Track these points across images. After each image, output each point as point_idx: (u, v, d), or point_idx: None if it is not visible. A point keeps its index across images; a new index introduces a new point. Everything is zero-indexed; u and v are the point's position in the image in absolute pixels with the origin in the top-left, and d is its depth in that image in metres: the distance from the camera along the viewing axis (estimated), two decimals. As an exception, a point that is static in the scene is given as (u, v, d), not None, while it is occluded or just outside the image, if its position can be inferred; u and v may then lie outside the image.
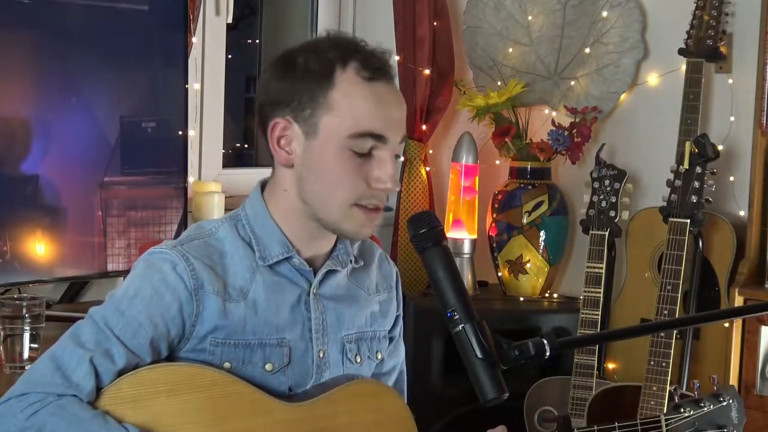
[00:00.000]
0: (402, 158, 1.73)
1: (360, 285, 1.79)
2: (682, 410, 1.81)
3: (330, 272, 1.73)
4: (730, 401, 1.83)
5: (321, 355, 1.71)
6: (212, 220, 1.72)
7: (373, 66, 1.62)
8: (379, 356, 1.82)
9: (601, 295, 3.08)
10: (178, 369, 1.59)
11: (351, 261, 1.76)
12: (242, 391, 1.61)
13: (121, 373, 1.56)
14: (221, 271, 1.64)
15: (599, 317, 3.06)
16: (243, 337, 1.64)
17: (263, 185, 1.73)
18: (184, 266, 1.60)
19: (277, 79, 1.65)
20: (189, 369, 1.59)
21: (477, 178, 3.62)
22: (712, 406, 1.82)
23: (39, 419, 1.51)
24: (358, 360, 1.77)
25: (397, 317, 1.87)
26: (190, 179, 3.14)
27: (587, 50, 3.55)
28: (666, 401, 2.83)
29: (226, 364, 1.62)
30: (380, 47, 1.68)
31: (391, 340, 1.86)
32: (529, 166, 3.52)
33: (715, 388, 1.86)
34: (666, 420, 1.80)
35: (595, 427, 1.92)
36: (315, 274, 1.71)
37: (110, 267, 2.88)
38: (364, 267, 1.80)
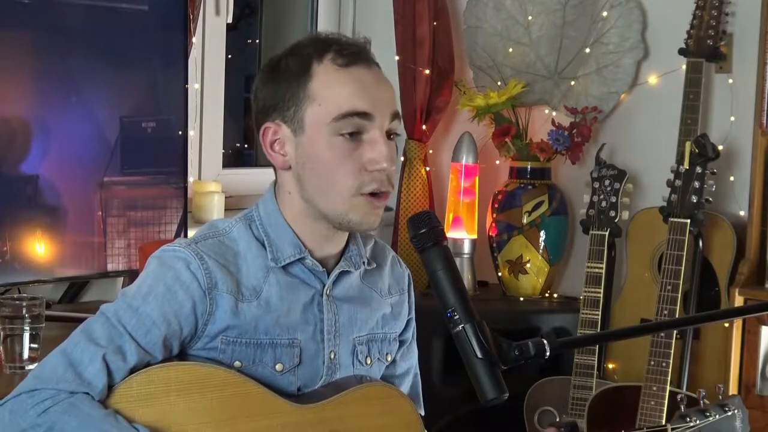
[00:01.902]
0: (399, 136, 1.72)
1: (373, 287, 1.78)
2: (688, 419, 1.80)
3: (343, 273, 1.72)
4: (735, 411, 1.83)
5: (332, 356, 1.70)
6: (226, 220, 1.71)
7: (349, 52, 1.62)
8: (389, 358, 1.81)
9: (601, 295, 3.08)
10: (190, 369, 1.58)
11: (364, 262, 1.75)
12: (253, 392, 1.60)
13: (132, 371, 1.55)
14: (235, 270, 1.63)
15: (599, 317, 3.06)
16: (255, 336, 1.63)
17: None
18: (198, 264, 1.60)
19: (262, 86, 1.68)
20: (201, 369, 1.59)
21: (477, 178, 3.61)
22: (717, 416, 1.81)
23: (50, 416, 1.50)
24: (368, 362, 1.76)
25: (409, 320, 1.86)
26: (190, 179, 3.14)
27: (587, 50, 3.55)
28: (666, 401, 2.83)
29: (237, 363, 1.62)
30: (359, 36, 1.68)
31: (402, 343, 1.85)
32: (529, 166, 3.52)
33: (720, 397, 1.85)
34: (672, 429, 1.80)
35: None
36: (328, 275, 1.70)
37: (110, 267, 2.88)
38: (377, 269, 1.79)
